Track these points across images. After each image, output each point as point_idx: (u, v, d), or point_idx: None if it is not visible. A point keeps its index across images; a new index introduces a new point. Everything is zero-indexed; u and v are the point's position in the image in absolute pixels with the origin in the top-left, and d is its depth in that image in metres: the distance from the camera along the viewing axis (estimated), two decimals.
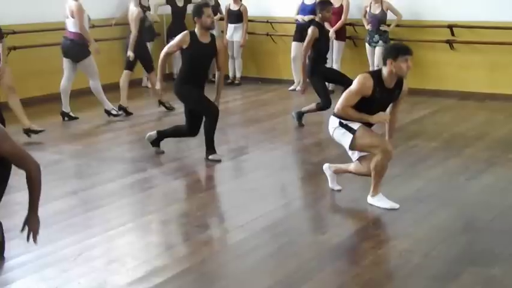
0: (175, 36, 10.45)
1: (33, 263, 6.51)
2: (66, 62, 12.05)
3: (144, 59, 12.97)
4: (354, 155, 8.07)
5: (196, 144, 10.65)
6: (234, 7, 15.29)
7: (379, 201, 8.03)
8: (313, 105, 11.74)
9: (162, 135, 10.04)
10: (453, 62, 13.98)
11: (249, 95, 14.27)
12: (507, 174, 9.39)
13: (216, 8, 15.72)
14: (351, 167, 8.31)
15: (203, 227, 7.75)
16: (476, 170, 9.40)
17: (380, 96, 7.66)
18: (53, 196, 8.28)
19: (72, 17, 11.79)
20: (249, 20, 15.63)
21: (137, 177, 9.35)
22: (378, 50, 13.91)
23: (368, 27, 14.16)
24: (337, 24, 14.25)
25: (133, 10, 12.54)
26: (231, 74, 15.87)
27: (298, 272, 6.36)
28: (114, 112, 12.26)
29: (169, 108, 13.06)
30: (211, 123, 9.83)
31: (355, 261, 6.67)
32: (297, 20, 14.73)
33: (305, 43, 11.44)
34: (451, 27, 13.82)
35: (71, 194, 8.48)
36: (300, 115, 11.94)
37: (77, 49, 11.87)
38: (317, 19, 11.78)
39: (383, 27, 13.94)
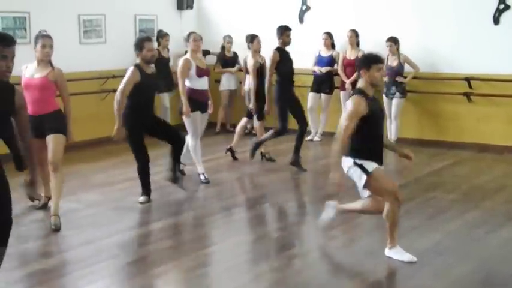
0: None
1: None
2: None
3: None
4: (365, 193, 7.89)
5: (213, 194, 10.77)
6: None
7: (396, 254, 7.88)
8: (269, 133, 12.10)
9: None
10: (471, 114, 13.92)
11: (267, 145, 14.21)
12: None
13: (234, 60, 15.91)
14: (358, 204, 8.19)
15: (223, 277, 7.68)
16: (495, 223, 9.28)
17: (374, 108, 7.62)
18: (69, 245, 8.46)
19: None
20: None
21: (153, 227, 9.33)
22: (395, 102, 14.00)
23: (385, 79, 14.07)
24: (353, 76, 14.19)
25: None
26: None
27: None
28: (203, 178, 11.57)
29: (270, 159, 13.10)
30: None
31: None
32: (314, 71, 14.78)
33: (268, 68, 12.03)
34: (468, 79, 13.78)
35: (87, 243, 8.40)
36: (256, 146, 12.41)
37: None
38: (278, 44, 12.13)
39: (400, 79, 13.92)
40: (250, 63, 12.86)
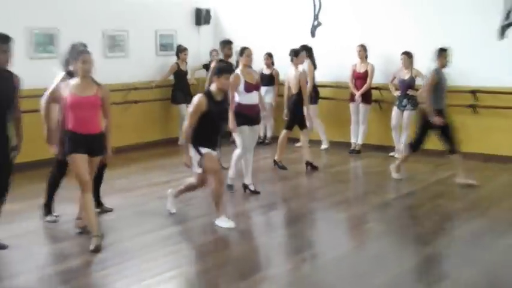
0: None
1: None
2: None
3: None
4: (198, 170, 9.26)
5: (226, 200, 10.56)
6: (267, 71, 15.24)
7: (221, 222, 9.37)
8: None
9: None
10: (476, 125, 13.88)
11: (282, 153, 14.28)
12: None
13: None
14: (187, 182, 9.78)
15: (240, 277, 7.65)
16: (500, 230, 9.29)
17: (215, 110, 9.07)
18: None
19: None
20: (280, 84, 15.57)
21: (172, 230, 9.31)
22: (406, 114, 13.95)
23: (396, 93, 14.10)
24: (363, 88, 14.24)
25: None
26: (262, 133, 15.83)
27: None
28: (252, 188, 11.31)
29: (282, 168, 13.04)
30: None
31: None
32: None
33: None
34: (474, 92, 13.80)
35: (109, 245, 8.43)
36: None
37: None
38: (221, 56, 12.84)
39: (411, 92, 13.84)
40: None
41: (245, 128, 10.88)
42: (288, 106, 12.82)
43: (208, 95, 9.22)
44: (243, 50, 11.10)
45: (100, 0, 14.30)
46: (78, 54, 8.17)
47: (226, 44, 12.77)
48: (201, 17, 16.61)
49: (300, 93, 12.53)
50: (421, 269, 7.83)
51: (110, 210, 10.13)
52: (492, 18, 13.57)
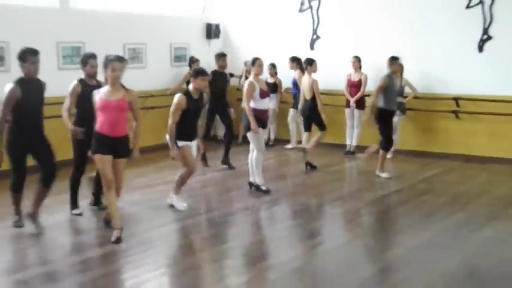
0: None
1: None
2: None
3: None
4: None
5: (235, 196, 10.83)
6: (271, 80, 15.17)
7: (173, 201, 9.93)
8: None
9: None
10: (458, 129, 13.88)
11: (281, 155, 14.32)
12: (506, 228, 9.24)
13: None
14: (179, 174, 9.89)
15: (247, 265, 7.79)
16: (478, 223, 9.28)
17: (192, 107, 9.42)
18: None
19: None
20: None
21: (186, 223, 9.36)
22: (395, 119, 13.48)
23: None
24: (357, 95, 14.23)
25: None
26: (266, 136, 15.87)
27: None
28: (263, 188, 11.12)
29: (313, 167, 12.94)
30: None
31: None
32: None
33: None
34: (456, 99, 13.78)
35: (131, 236, 8.51)
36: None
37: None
38: (216, 67, 13.20)
39: (400, 99, 13.72)
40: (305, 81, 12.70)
41: (260, 131, 10.83)
42: (303, 111, 12.88)
43: (187, 94, 9.50)
44: (255, 61, 10.96)
45: (122, 17, 14.35)
46: (108, 62, 8.12)
47: (221, 56, 13.15)
48: (211, 32, 16.57)
49: (313, 99, 12.50)
50: (406, 259, 7.79)
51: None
52: (472, 33, 13.61)
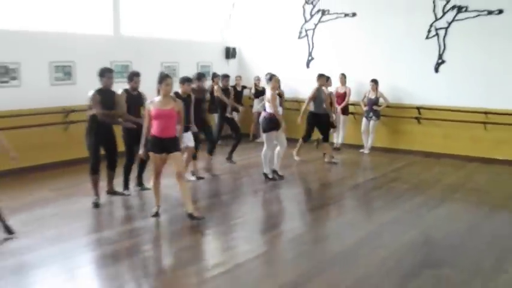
0: None
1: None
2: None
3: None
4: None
5: (245, 182, 10.68)
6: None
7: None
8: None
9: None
10: (419, 131, 13.90)
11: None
12: (454, 208, 9.29)
13: (263, 92, 14.86)
14: (184, 157, 9.43)
15: (261, 232, 7.83)
16: (434, 204, 9.41)
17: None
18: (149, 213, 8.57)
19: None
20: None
21: (213, 201, 9.37)
22: (372, 123, 13.89)
23: (365, 108, 14.04)
24: (342, 104, 14.15)
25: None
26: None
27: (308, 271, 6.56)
28: (270, 176, 10.99)
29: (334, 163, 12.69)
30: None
31: (352, 263, 6.78)
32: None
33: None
34: (418, 108, 13.83)
35: (164, 212, 8.53)
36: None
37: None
38: (242, 82, 13.65)
39: (376, 108, 13.92)
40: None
41: (273, 132, 10.69)
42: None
43: (177, 95, 9.41)
44: (272, 76, 10.65)
45: (160, 42, 14.31)
46: (162, 79, 7.99)
47: (225, 77, 12.70)
48: (229, 53, 16.47)
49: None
50: (379, 231, 7.94)
51: (149, 189, 9.64)
52: (431, 58, 13.60)
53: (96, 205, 8.90)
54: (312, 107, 12.49)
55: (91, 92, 8.89)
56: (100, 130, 8.95)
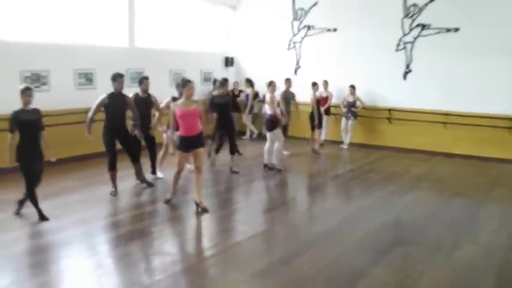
0: None
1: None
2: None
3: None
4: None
5: (242, 173, 10.68)
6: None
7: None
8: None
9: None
10: (390, 129, 13.93)
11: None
12: (420, 195, 9.33)
13: (257, 95, 15.35)
14: None
15: (247, 221, 7.78)
16: (403, 192, 9.44)
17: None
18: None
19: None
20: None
21: (209, 190, 9.28)
22: (350, 122, 13.91)
23: (344, 109, 14.06)
24: (325, 106, 13.98)
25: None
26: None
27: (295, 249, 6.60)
28: (278, 167, 10.92)
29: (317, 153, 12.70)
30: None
31: (333, 241, 6.80)
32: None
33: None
34: (390, 110, 13.89)
35: (183, 195, 8.56)
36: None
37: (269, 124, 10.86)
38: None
39: (353, 109, 13.93)
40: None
41: (276, 130, 10.67)
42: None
43: (174, 99, 9.07)
44: (271, 82, 10.78)
45: (169, 52, 14.24)
46: (185, 83, 7.79)
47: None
48: (228, 62, 16.38)
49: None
50: (357, 215, 7.99)
51: (159, 178, 9.97)
52: (399, 67, 13.62)
53: (113, 194, 8.88)
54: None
55: (101, 96, 8.71)
56: (113, 129, 8.76)
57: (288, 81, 13.14)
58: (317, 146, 13.03)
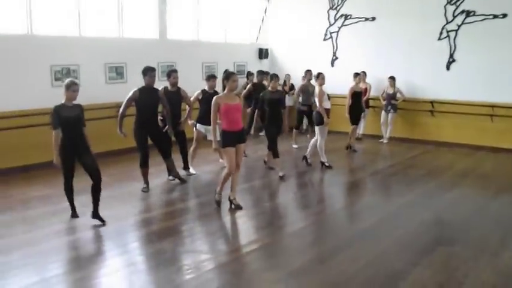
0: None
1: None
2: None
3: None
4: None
5: (272, 171, 10.81)
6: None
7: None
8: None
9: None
10: (433, 123, 13.87)
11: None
12: (465, 192, 9.30)
13: (292, 88, 15.40)
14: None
15: (277, 214, 7.93)
16: (446, 188, 9.39)
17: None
18: (196, 194, 8.64)
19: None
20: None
21: (242, 187, 9.28)
22: (390, 115, 13.84)
23: (384, 102, 14.01)
24: (364, 98, 13.71)
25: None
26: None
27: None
28: (327, 164, 10.78)
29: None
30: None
31: (372, 240, 6.78)
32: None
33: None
34: (432, 102, 13.80)
35: (204, 195, 8.59)
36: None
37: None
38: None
39: (393, 102, 13.85)
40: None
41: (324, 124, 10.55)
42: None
43: (204, 92, 9.45)
44: (319, 74, 10.62)
45: (201, 44, 14.34)
46: (229, 76, 7.65)
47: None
48: (262, 54, 16.37)
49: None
50: (397, 212, 7.97)
51: (192, 174, 10.04)
52: (442, 57, 13.55)
53: (145, 190, 8.94)
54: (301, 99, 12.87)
55: (132, 90, 8.75)
56: (144, 124, 8.77)
57: (308, 73, 13.06)
58: (352, 141, 12.82)
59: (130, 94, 8.74)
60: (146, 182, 9.00)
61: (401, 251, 6.40)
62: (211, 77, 10.24)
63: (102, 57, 11.89)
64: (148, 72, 8.76)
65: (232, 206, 7.99)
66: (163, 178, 9.67)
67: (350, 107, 12.47)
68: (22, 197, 8.59)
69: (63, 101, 7.10)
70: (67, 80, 7.19)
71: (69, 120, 7.04)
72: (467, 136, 13.33)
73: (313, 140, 10.89)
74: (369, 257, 6.19)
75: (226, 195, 8.19)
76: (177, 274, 5.72)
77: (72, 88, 7.07)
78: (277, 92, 10.30)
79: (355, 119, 12.61)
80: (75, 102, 7.22)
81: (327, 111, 10.56)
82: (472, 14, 13.13)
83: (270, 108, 10.05)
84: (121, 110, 8.76)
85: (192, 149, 10.25)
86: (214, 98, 7.76)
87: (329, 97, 10.84)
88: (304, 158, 11.02)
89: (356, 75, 12.87)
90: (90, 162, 7.18)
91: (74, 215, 7.49)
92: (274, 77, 10.38)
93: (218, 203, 8.06)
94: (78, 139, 7.14)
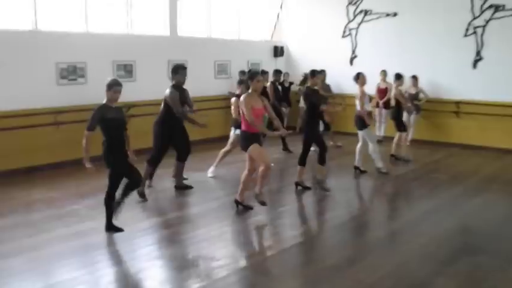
0: None
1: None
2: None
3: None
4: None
5: (291, 173, 10.85)
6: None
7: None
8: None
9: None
10: (458, 124, 13.79)
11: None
12: (492, 198, 9.25)
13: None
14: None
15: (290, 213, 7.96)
16: (471, 194, 9.34)
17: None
18: (206, 198, 8.64)
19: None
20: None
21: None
22: (412, 117, 13.75)
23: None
24: (384, 98, 14.05)
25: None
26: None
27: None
28: (383, 171, 10.75)
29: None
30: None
31: (393, 248, 6.80)
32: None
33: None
34: (457, 103, 13.74)
35: (226, 196, 8.73)
36: None
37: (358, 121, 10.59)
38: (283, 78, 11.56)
39: (416, 102, 13.72)
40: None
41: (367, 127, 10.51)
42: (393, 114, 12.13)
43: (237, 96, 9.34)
44: (359, 74, 10.41)
45: (213, 41, 14.43)
46: (253, 75, 7.57)
47: (279, 73, 12.66)
48: (278, 52, 16.42)
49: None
50: (419, 219, 7.90)
51: (212, 177, 10.16)
52: (469, 54, 13.51)
53: (150, 186, 8.95)
54: None
55: (169, 89, 8.71)
56: (174, 124, 8.75)
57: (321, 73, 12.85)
58: (403, 153, 12.19)
59: (173, 93, 8.66)
60: (151, 179, 9.08)
61: (424, 260, 6.36)
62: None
63: (110, 55, 11.96)
64: (179, 70, 8.81)
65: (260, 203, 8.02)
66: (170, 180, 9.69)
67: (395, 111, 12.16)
68: (26, 199, 8.66)
69: (104, 101, 6.99)
70: (109, 79, 7.03)
71: (117, 123, 6.92)
72: (495, 139, 13.27)
73: (358, 146, 10.83)
74: (389, 266, 6.16)
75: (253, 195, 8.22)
76: (188, 281, 5.73)
77: (114, 88, 6.94)
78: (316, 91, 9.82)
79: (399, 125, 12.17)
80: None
81: (370, 113, 10.63)
82: (501, 8, 13.07)
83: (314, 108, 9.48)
84: (179, 109, 8.66)
85: (224, 150, 10.26)
86: (243, 97, 7.62)
87: (370, 98, 10.77)
88: (357, 168, 10.86)
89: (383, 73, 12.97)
90: (132, 172, 7.11)
91: (112, 227, 7.12)
92: (317, 73, 9.85)
93: (263, 203, 8.00)
94: (122, 143, 7.05)
